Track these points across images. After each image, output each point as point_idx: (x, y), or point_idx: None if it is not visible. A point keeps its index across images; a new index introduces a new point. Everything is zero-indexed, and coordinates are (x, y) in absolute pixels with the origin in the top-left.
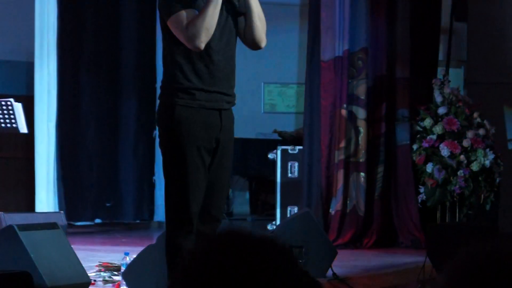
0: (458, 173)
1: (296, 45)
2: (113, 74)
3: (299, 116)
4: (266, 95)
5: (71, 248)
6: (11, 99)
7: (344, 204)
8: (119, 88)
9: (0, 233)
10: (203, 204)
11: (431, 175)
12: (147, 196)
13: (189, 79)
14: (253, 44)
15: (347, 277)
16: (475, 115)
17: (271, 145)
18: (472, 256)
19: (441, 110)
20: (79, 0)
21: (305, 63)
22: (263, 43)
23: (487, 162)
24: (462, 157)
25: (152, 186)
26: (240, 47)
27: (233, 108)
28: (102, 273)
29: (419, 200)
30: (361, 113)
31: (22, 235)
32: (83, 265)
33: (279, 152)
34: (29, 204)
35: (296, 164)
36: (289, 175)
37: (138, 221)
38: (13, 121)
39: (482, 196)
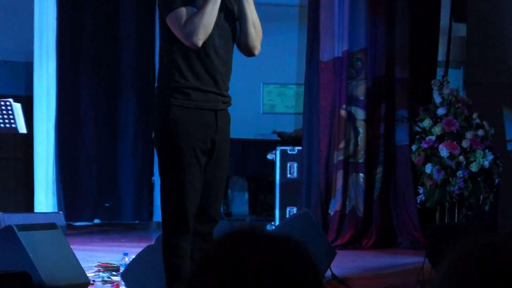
0: (457, 173)
1: (296, 45)
2: (112, 74)
3: (298, 117)
4: (265, 95)
5: (70, 248)
6: (10, 100)
7: (343, 204)
8: (118, 89)
9: None
10: (200, 204)
11: (430, 176)
12: (146, 196)
13: (186, 77)
14: (247, 51)
15: (346, 277)
16: (474, 115)
17: (270, 145)
18: (468, 251)
19: (440, 111)
20: (78, 1)
21: (305, 63)
22: (257, 51)
23: (486, 163)
24: (461, 158)
25: (151, 186)
26: None
27: (232, 108)
28: (101, 274)
29: (418, 201)
30: (360, 113)
31: (21, 235)
32: (82, 266)
33: (278, 152)
34: (28, 204)
35: (295, 164)
36: (288, 175)
37: (137, 222)
38: (12, 121)
39: (481, 196)
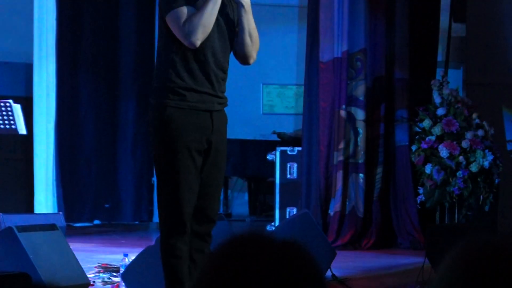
0: (457, 174)
1: (295, 46)
2: (111, 75)
3: (298, 117)
4: (265, 96)
5: (70, 249)
6: (10, 101)
7: (343, 205)
8: (117, 90)
9: None
10: (197, 205)
11: (430, 176)
12: (145, 197)
13: (182, 77)
14: (241, 59)
15: (346, 278)
16: (474, 116)
17: (270, 146)
18: (467, 251)
19: (440, 111)
20: (78, 1)
21: (304, 64)
22: (252, 60)
23: (486, 163)
24: (461, 158)
25: (151, 187)
26: None
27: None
28: (101, 274)
29: (418, 201)
30: (360, 114)
31: (21, 236)
32: (82, 266)
33: (278, 153)
34: (28, 205)
35: (295, 165)
36: (288, 176)
37: (137, 222)
38: (12, 122)
39: (481, 197)
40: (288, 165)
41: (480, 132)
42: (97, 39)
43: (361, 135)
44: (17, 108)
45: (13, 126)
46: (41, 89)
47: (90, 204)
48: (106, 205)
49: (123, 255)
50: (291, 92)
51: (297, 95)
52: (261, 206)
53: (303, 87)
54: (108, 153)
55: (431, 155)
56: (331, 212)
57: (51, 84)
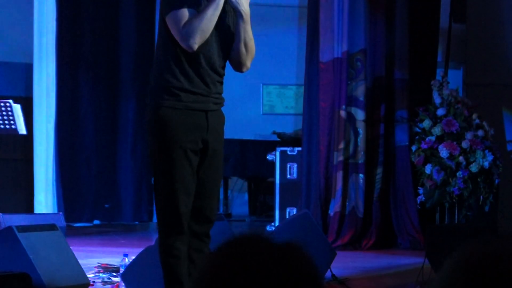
0: (457, 174)
1: (295, 46)
2: (111, 75)
3: (298, 118)
4: (265, 96)
5: (70, 249)
6: (10, 101)
7: (343, 205)
8: (117, 90)
9: None
10: (195, 205)
11: (430, 176)
12: (145, 197)
13: (178, 78)
14: (235, 66)
15: (346, 278)
16: (474, 116)
17: (270, 146)
18: (468, 255)
19: (440, 112)
20: (78, 2)
21: (304, 64)
22: (245, 68)
23: (486, 164)
24: (461, 158)
25: (150, 187)
26: None
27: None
28: (101, 274)
29: (418, 201)
30: (360, 114)
31: (21, 236)
32: (82, 266)
33: (278, 153)
34: (28, 205)
35: (295, 165)
36: (288, 176)
37: (136, 223)
38: (12, 122)
39: (481, 197)
40: (288, 165)
41: (480, 133)
42: (97, 39)
43: (361, 136)
44: (17, 108)
45: (13, 126)
46: (41, 89)
47: (90, 204)
48: (106, 205)
49: (123, 255)
50: (291, 92)
51: (297, 95)
52: (261, 206)
53: (303, 87)
54: (108, 153)
55: (431, 155)
56: (331, 213)
57: (51, 84)
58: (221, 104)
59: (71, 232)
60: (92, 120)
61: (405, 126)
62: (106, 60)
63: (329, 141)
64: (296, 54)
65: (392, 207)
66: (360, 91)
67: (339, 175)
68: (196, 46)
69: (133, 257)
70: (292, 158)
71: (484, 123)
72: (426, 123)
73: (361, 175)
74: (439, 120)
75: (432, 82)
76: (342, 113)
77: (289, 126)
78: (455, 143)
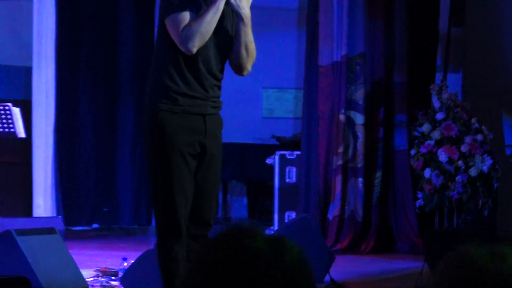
0: (456, 178)
1: (294, 50)
2: (111, 79)
3: (297, 121)
4: (264, 100)
5: (69, 253)
6: (9, 104)
7: (342, 209)
8: (116, 93)
9: None
10: (193, 208)
11: (429, 181)
12: (144, 201)
13: (175, 81)
14: (235, 69)
15: (345, 282)
16: (473, 120)
17: (269, 150)
18: (448, 261)
19: (439, 116)
20: (77, 5)
21: (303, 68)
22: (245, 72)
23: (485, 168)
24: (460, 162)
25: (149, 191)
26: None
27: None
28: (100, 278)
29: (417, 206)
30: (359, 118)
31: (20, 240)
32: (81, 270)
33: (277, 157)
34: (26, 209)
35: (294, 169)
36: (287, 180)
37: (135, 226)
38: (11, 125)
39: (480, 201)
40: (287, 169)
41: (479, 137)
42: (96, 43)
43: (360, 139)
44: (16, 112)
45: (12, 130)
46: (40, 92)
47: (88, 207)
48: (105, 209)
49: (122, 259)
50: (291, 96)
51: (296, 99)
52: (260, 210)
53: (302, 91)
54: (107, 156)
55: (430, 159)
56: (330, 216)
57: (50, 88)
58: (219, 107)
59: (70, 236)
60: (91, 124)
61: (404, 130)
62: (105, 63)
63: (328, 145)
64: (296, 58)
65: (391, 211)
66: (359, 95)
67: (338, 179)
68: (195, 50)
69: (132, 261)
70: (291, 162)
71: (483, 127)
72: (425, 127)
73: (360, 179)
74: (438, 124)
75: (431, 86)
76: (341, 117)
77: (288, 130)
78: (454, 147)
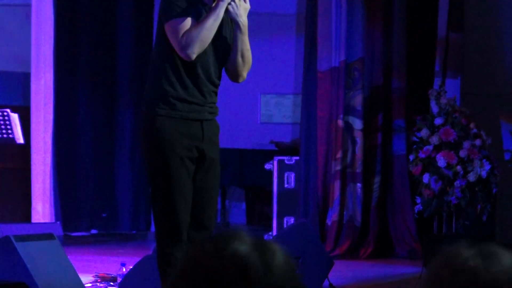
0: (455, 183)
1: (293, 55)
2: (109, 84)
3: (295, 127)
4: (262, 105)
5: (68, 258)
6: (8, 110)
7: (341, 214)
8: (115, 99)
9: None
10: (194, 213)
11: (427, 186)
12: (143, 206)
13: (174, 87)
14: (231, 76)
15: (344, 287)
16: (472, 125)
17: (268, 155)
18: (444, 261)
19: (438, 121)
20: (76, 10)
21: (302, 73)
22: (241, 79)
23: (484, 173)
24: (458, 167)
25: (148, 196)
26: None
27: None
28: (98, 284)
29: (416, 211)
30: (357, 123)
31: (18, 245)
32: (80, 276)
33: (275, 162)
34: (25, 214)
35: (293, 174)
36: (286, 185)
37: (134, 232)
38: (9, 131)
39: (479, 206)
40: (286, 175)
41: (477, 142)
42: (95, 48)
43: (358, 145)
44: (14, 118)
45: (10, 136)
46: (39, 98)
47: (87, 213)
48: (104, 214)
49: (121, 265)
50: (289, 101)
51: (295, 104)
52: (258, 215)
53: (300, 96)
54: (105, 162)
55: (429, 164)
56: (328, 222)
57: (48, 94)
58: (215, 113)
59: (69, 242)
60: (90, 129)
61: (403, 135)
62: (104, 69)
63: (327, 150)
64: (294, 63)
65: (389, 217)
66: (357, 100)
67: (337, 184)
68: (194, 56)
69: (131, 267)
70: (290, 167)
71: (482, 132)
72: (424, 132)
73: (358, 184)
74: (436, 129)
75: (430, 91)
76: (340, 122)
77: (287, 135)
78: (452, 152)
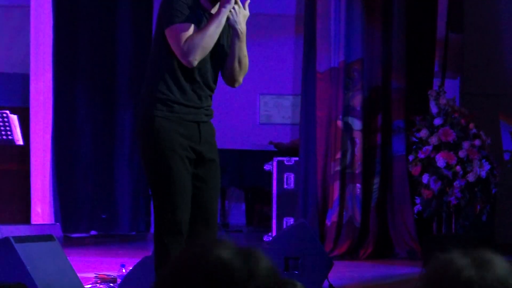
0: (454, 184)
1: (292, 56)
2: (108, 85)
3: (295, 127)
4: (262, 106)
5: (67, 260)
6: (7, 111)
7: (340, 215)
8: (114, 100)
9: None
10: (196, 213)
11: (427, 186)
12: (143, 207)
13: (172, 91)
14: (227, 81)
15: None
16: (471, 126)
17: (267, 156)
18: (438, 269)
19: (437, 121)
20: (75, 12)
21: (301, 74)
22: (237, 84)
23: (483, 173)
24: (458, 168)
25: (148, 197)
26: None
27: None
28: (98, 285)
29: (415, 211)
30: (357, 124)
31: (18, 247)
32: (79, 277)
33: (275, 163)
34: (25, 216)
35: (292, 175)
36: (285, 186)
37: (134, 233)
38: (9, 133)
39: (478, 206)
40: (285, 175)
41: (477, 142)
42: (94, 49)
43: (358, 145)
44: (14, 119)
45: (10, 137)
46: (38, 99)
47: (87, 214)
48: (103, 216)
49: (120, 266)
50: (288, 102)
51: (294, 105)
52: (258, 216)
53: (300, 97)
54: (105, 163)
55: (428, 165)
56: (328, 222)
57: (48, 95)
58: (211, 116)
59: (68, 243)
60: (89, 130)
61: (402, 136)
62: (103, 70)
63: (326, 151)
64: (293, 64)
65: (389, 217)
66: (357, 101)
67: (336, 185)
68: (196, 63)
69: (130, 267)
70: (289, 168)
71: (481, 133)
72: (423, 133)
73: (358, 184)
74: (436, 130)
75: (429, 91)
76: (339, 123)
77: (286, 136)
78: (452, 152)
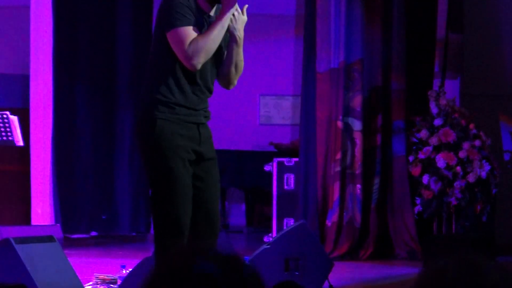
0: (455, 184)
1: (292, 56)
2: (108, 86)
3: (295, 128)
4: (262, 107)
5: (68, 261)
6: (7, 112)
7: (341, 216)
8: (114, 101)
9: None
10: (197, 215)
11: (427, 187)
12: (143, 208)
13: (173, 93)
14: (222, 83)
15: None
16: (471, 126)
17: (267, 157)
18: (434, 276)
19: (437, 122)
20: (75, 13)
21: (301, 74)
22: (231, 86)
23: (483, 174)
24: (458, 168)
25: (148, 198)
26: None
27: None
28: (98, 286)
29: (416, 212)
30: (357, 124)
31: (18, 248)
32: (80, 278)
33: (275, 164)
34: (25, 217)
35: (292, 176)
36: (285, 187)
37: (134, 234)
38: (9, 134)
39: (479, 207)
40: (285, 176)
41: (477, 143)
42: (94, 50)
43: (358, 146)
44: (14, 120)
45: (10, 138)
46: (38, 100)
47: (87, 215)
48: (103, 217)
49: (121, 267)
50: (288, 102)
51: (294, 105)
52: (258, 217)
53: (300, 97)
54: (105, 164)
55: (428, 165)
56: (328, 223)
57: (48, 96)
58: (208, 117)
59: (69, 244)
60: (89, 131)
61: (402, 136)
62: (103, 71)
63: (326, 152)
64: (293, 65)
65: (389, 218)
66: (357, 101)
67: (336, 185)
68: (199, 66)
69: (131, 268)
70: (289, 169)
71: (481, 133)
72: (423, 133)
73: (358, 185)
74: (436, 130)
75: (429, 92)
76: (339, 124)
77: (286, 137)
78: (452, 153)
